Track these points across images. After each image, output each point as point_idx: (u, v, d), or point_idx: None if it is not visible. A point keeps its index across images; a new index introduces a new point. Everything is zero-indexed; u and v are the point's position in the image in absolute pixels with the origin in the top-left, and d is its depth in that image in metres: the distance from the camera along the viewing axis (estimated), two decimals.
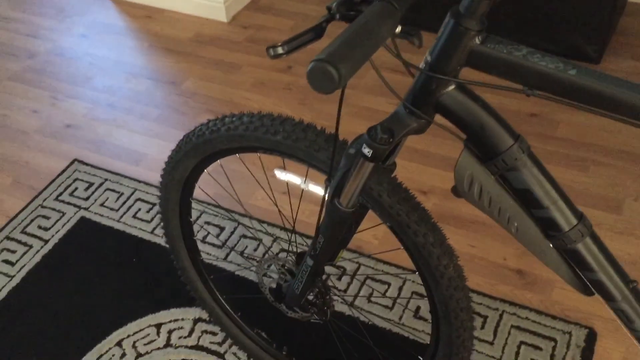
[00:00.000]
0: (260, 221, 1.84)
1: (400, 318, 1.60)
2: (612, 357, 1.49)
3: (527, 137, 2.09)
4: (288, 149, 1.05)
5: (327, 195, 0.99)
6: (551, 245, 0.91)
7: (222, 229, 1.85)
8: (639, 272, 1.65)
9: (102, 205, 1.97)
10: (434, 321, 1.13)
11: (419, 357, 1.25)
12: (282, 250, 1.76)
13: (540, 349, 1.51)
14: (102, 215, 1.93)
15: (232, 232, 1.84)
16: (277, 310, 1.29)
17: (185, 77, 2.50)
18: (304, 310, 1.21)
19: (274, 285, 1.26)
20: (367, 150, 0.87)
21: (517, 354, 1.50)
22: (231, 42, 2.66)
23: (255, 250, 1.79)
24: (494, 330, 1.55)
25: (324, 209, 1.01)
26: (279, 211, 1.38)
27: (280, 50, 0.70)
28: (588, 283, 0.93)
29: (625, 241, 1.73)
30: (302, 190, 1.13)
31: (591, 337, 1.51)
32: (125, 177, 2.07)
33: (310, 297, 1.19)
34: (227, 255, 1.78)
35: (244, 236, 1.82)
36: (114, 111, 2.36)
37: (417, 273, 1.08)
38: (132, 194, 2.00)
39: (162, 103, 2.38)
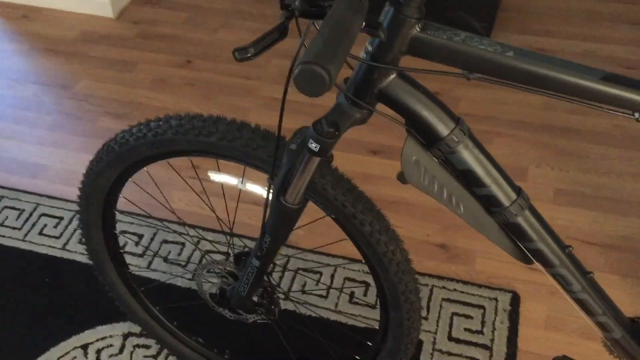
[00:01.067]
0: (189, 225, 1.77)
1: (337, 305, 1.61)
2: (536, 316, 1.58)
3: None
4: (224, 150, 1.01)
5: (271, 194, 0.96)
6: (494, 220, 0.95)
7: (141, 236, 1.77)
8: None
9: (1, 225, 1.81)
10: (382, 307, 1.14)
11: (367, 343, 1.26)
12: (218, 252, 1.71)
13: (471, 317, 1.57)
14: (3, 236, 1.78)
15: (153, 239, 1.76)
16: (215, 314, 1.26)
17: (77, 79, 2.34)
18: (250, 312, 1.18)
19: (214, 291, 1.22)
20: (314, 145, 0.86)
21: (451, 325, 1.56)
22: (122, 39, 2.53)
23: (180, 254, 1.72)
24: (427, 305, 1.60)
25: (268, 208, 0.99)
26: (215, 215, 1.34)
27: (249, 52, 0.67)
28: (528, 253, 0.98)
29: (535, 206, 1.84)
30: (240, 190, 1.09)
31: (515, 300, 1.60)
32: (24, 192, 1.91)
33: (256, 298, 1.16)
34: (150, 263, 1.70)
35: (171, 242, 1.75)
36: (0, 122, 2.17)
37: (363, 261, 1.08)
38: (35, 209, 1.85)
39: (54, 109, 2.22)
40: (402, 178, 0.92)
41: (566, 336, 1.54)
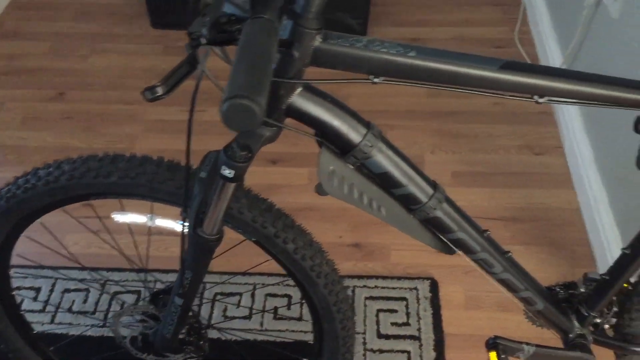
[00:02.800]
0: (90, 269, 1.65)
1: (262, 324, 1.57)
2: (455, 298, 1.63)
3: None
4: (127, 189, 0.94)
5: (187, 227, 0.91)
6: (414, 218, 0.95)
7: (38, 290, 1.63)
8: None
9: None
10: (315, 321, 1.12)
11: (302, 358, 1.23)
12: (128, 292, 1.60)
13: (396, 311, 1.59)
14: None
15: (52, 290, 1.62)
16: None
17: None
18: (178, 352, 1.11)
19: (136, 335, 1.14)
20: (228, 172, 0.82)
21: (378, 322, 1.57)
22: None
23: (85, 302, 1.60)
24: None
25: (186, 242, 0.93)
26: (124, 254, 1.25)
27: (159, 91, 0.61)
28: (450, 243, 0.99)
29: None
30: (149, 227, 1.02)
31: (434, 286, 1.64)
32: None
33: (183, 336, 1.10)
34: (53, 318, 1.57)
35: (74, 290, 1.62)
36: None
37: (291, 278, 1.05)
38: None
39: None
40: (320, 190, 0.90)
41: (486, 312, 1.59)
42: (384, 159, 0.88)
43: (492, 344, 1.08)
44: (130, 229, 1.17)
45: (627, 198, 1.57)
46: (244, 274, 1.64)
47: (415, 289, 1.64)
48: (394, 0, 2.67)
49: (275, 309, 1.60)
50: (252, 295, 1.63)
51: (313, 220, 1.82)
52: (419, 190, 0.92)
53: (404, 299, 1.62)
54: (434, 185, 0.94)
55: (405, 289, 1.64)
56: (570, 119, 1.95)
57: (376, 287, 1.65)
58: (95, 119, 2.14)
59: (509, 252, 1.05)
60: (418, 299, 1.61)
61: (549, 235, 1.79)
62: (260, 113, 0.51)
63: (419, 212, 0.94)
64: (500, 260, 1.03)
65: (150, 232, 1.39)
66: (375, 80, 0.80)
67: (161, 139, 2.04)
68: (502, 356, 1.05)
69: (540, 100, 0.83)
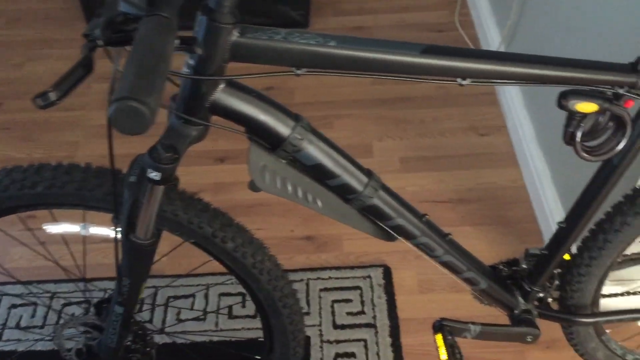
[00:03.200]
0: (33, 282, 1.60)
1: (217, 325, 1.55)
2: (408, 283, 1.64)
3: None
4: (55, 199, 0.91)
5: (120, 234, 0.89)
6: (351, 207, 0.95)
7: None
8: None
9: None
10: (262, 317, 1.11)
11: (256, 357, 1.22)
12: (77, 304, 1.56)
13: (350, 300, 1.60)
14: None
15: None
16: None
17: None
18: None
19: (81, 347, 1.11)
20: (154, 174, 0.80)
21: (333, 313, 1.57)
22: None
23: (33, 316, 1.56)
24: (306, 300, 1.60)
25: (120, 250, 0.91)
26: (59, 265, 1.22)
27: (52, 96, 0.59)
28: (390, 230, 1.00)
29: (383, 179, 1.87)
30: (84, 237, 1.00)
31: (387, 272, 1.65)
32: None
33: (128, 344, 1.08)
34: (0, 335, 1.52)
35: (21, 305, 1.58)
36: None
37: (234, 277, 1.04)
38: None
39: None
40: (253, 186, 0.89)
41: (439, 295, 1.61)
42: (315, 151, 0.88)
43: (438, 326, 1.09)
44: (64, 239, 1.14)
45: (568, 172, 1.60)
46: (195, 275, 1.62)
47: (369, 277, 1.64)
48: None
49: (230, 307, 1.59)
50: (206, 296, 1.61)
51: (264, 216, 1.81)
52: (353, 179, 0.92)
53: (358, 287, 1.62)
54: (368, 173, 0.94)
55: (359, 277, 1.64)
56: (512, 98, 1.98)
57: (330, 278, 1.65)
58: (35, 128, 2.08)
59: (449, 234, 1.06)
60: (372, 287, 1.62)
61: (497, 213, 1.81)
62: (150, 115, 0.50)
63: (355, 201, 0.93)
64: (441, 243, 1.04)
65: (86, 241, 1.36)
66: (298, 72, 0.80)
67: (105, 144, 1.99)
68: (449, 337, 1.07)
69: (464, 82, 0.84)
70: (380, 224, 0.99)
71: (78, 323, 1.08)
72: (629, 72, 0.85)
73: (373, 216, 0.97)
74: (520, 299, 1.16)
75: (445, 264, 1.06)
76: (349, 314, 1.57)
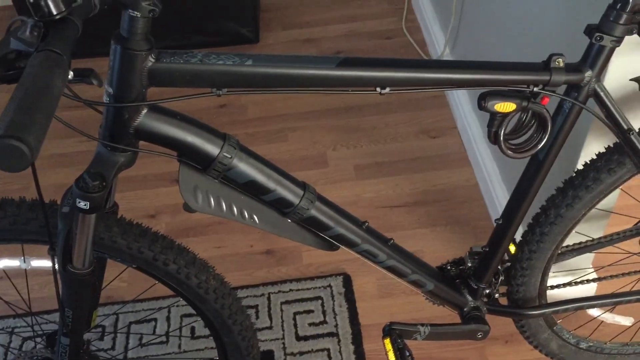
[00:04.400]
0: None
1: (180, 346, 1.55)
2: (368, 289, 1.66)
3: (224, 127, 2.16)
4: None
5: (57, 265, 0.89)
6: (290, 221, 0.96)
7: None
8: (360, 208, 1.86)
9: None
10: (214, 335, 1.11)
11: None
12: (37, 336, 1.55)
13: (312, 311, 1.61)
14: None
15: None
16: None
17: None
18: None
19: None
20: (83, 204, 0.81)
21: (295, 325, 1.58)
22: None
23: None
24: (268, 314, 1.61)
25: (59, 281, 0.91)
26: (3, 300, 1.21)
27: None
28: (331, 240, 1.01)
29: (340, 187, 1.93)
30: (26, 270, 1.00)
31: (347, 280, 1.66)
32: None
33: None
34: None
35: None
36: None
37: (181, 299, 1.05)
38: None
39: None
40: (187, 208, 0.90)
41: (399, 298, 1.63)
42: (246, 168, 0.89)
43: (387, 330, 1.10)
44: (6, 274, 1.14)
45: (515, 169, 1.64)
46: (156, 298, 1.61)
47: (329, 286, 1.66)
48: (284, 4, 2.69)
49: (192, 328, 1.58)
50: (168, 319, 1.61)
51: (223, 233, 1.82)
52: (288, 192, 0.93)
53: (319, 298, 1.63)
54: (303, 185, 0.95)
55: (320, 287, 1.66)
56: (460, 99, 2.02)
57: (291, 290, 1.65)
58: None
59: (391, 239, 1.08)
60: (333, 296, 1.63)
61: (452, 214, 1.84)
62: (31, 153, 0.51)
63: (292, 214, 0.95)
64: (384, 249, 1.06)
65: (30, 274, 1.35)
66: (219, 92, 0.81)
67: (61, 173, 1.98)
68: (398, 341, 1.08)
69: (383, 91, 0.86)
70: (321, 235, 1.00)
71: (27, 357, 1.07)
72: (542, 70, 0.88)
73: (312, 227, 0.99)
74: (469, 297, 1.18)
75: (390, 269, 1.08)
76: (311, 324, 1.58)
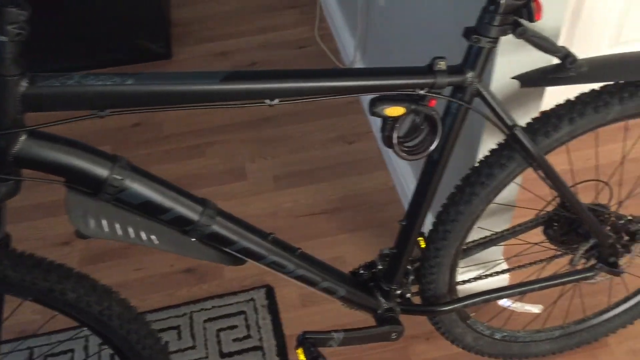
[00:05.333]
0: None
1: None
2: (291, 299, 1.65)
3: (139, 146, 2.11)
4: None
5: None
6: (192, 239, 0.95)
7: None
8: (280, 218, 1.86)
9: None
10: None
11: None
12: None
13: (235, 326, 1.59)
14: None
15: None
16: None
17: None
18: None
19: None
20: None
21: (219, 343, 1.56)
22: None
23: None
24: (191, 334, 1.58)
25: None
26: None
27: None
28: (236, 254, 1.01)
29: (259, 199, 1.92)
30: None
31: (270, 292, 1.65)
32: None
33: None
34: None
35: None
36: None
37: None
38: None
39: None
40: (80, 234, 0.87)
41: (321, 306, 1.63)
42: (139, 188, 0.87)
43: (300, 340, 1.11)
44: None
45: None
46: (72, 328, 1.56)
47: (252, 299, 1.64)
48: (196, 18, 2.67)
49: (112, 356, 1.54)
50: (85, 348, 1.55)
51: (141, 255, 1.77)
52: (187, 210, 0.92)
53: (242, 312, 1.62)
54: (202, 202, 0.94)
55: (243, 302, 1.64)
56: None
57: (213, 307, 1.63)
58: None
59: (299, 249, 1.08)
60: (256, 309, 1.62)
61: (372, 217, 1.87)
62: None
63: (193, 232, 0.94)
64: (292, 259, 1.06)
65: None
66: (101, 114, 0.79)
67: None
68: (312, 349, 1.08)
69: (272, 103, 0.86)
70: (227, 250, 0.99)
71: None
72: (426, 74, 0.91)
73: (216, 243, 0.98)
74: (382, 299, 1.19)
75: (300, 278, 1.08)
76: (235, 340, 1.56)
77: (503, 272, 1.33)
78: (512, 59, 1.06)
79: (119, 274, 1.74)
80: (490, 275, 1.32)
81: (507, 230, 1.27)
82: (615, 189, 1.25)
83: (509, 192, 1.28)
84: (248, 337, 1.57)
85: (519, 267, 1.32)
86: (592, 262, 1.23)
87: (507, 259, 1.53)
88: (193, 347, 1.55)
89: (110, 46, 2.38)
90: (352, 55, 2.21)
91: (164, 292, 1.69)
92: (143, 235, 0.90)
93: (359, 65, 2.20)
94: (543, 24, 1.04)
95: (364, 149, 2.06)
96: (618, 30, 1.89)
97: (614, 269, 1.21)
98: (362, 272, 1.21)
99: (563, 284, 1.24)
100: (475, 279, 1.29)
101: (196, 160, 2.06)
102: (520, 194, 1.38)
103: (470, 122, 1.04)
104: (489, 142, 1.21)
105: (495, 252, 1.48)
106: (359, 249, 1.78)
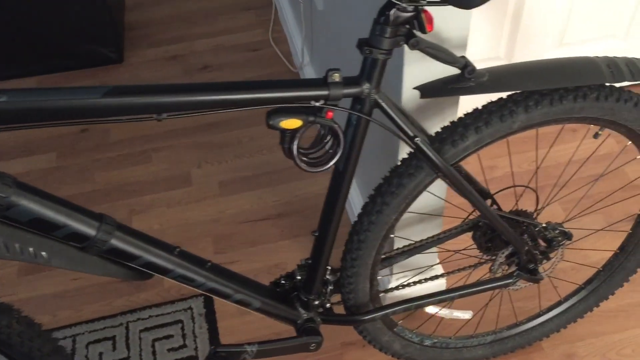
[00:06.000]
0: None
1: None
2: (229, 307, 1.59)
3: (86, 153, 2.07)
4: None
5: None
6: (90, 254, 0.93)
7: None
8: (223, 225, 1.84)
9: None
10: None
11: None
12: None
13: (171, 336, 1.57)
14: None
15: None
16: None
17: None
18: None
19: None
20: None
21: (154, 353, 1.54)
22: None
23: None
24: (126, 344, 1.56)
25: None
26: None
27: None
28: (141, 269, 0.99)
29: (203, 205, 1.90)
30: None
31: (208, 301, 1.64)
32: None
33: None
34: None
35: None
36: None
37: None
38: None
39: None
40: None
41: (258, 314, 1.62)
42: (28, 205, 0.85)
43: (211, 355, 1.09)
44: None
45: (367, 175, 1.67)
46: None
47: (190, 308, 1.63)
48: (151, 21, 2.64)
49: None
50: None
51: None
52: (82, 226, 0.90)
53: (179, 321, 1.60)
54: (100, 217, 0.93)
55: (180, 311, 1.62)
56: None
57: (150, 317, 1.61)
58: None
59: (209, 261, 1.07)
60: (193, 318, 1.61)
61: (314, 223, 1.84)
62: None
63: (90, 248, 0.92)
64: (200, 272, 1.04)
65: None
66: None
67: None
68: None
69: (160, 117, 0.85)
70: (129, 264, 0.98)
71: None
72: (321, 85, 0.90)
73: (118, 258, 0.96)
74: (302, 310, 1.18)
75: (211, 291, 1.07)
76: (170, 350, 1.55)
77: (431, 278, 1.32)
78: (420, 68, 1.05)
79: (58, 284, 1.72)
80: (420, 282, 1.31)
81: (432, 237, 1.26)
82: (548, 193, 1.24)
83: (436, 200, 1.28)
84: (183, 346, 1.55)
85: (447, 273, 1.32)
86: (513, 269, 1.22)
87: (442, 263, 1.52)
88: (127, 358, 1.53)
89: (59, 52, 2.35)
90: (304, 58, 2.20)
91: (102, 301, 1.67)
92: (36, 253, 0.88)
93: (307, 68, 2.18)
94: (449, 34, 1.03)
95: None
96: (561, 32, 1.89)
97: (533, 275, 1.20)
98: (283, 282, 1.20)
99: (484, 291, 1.23)
100: (403, 286, 1.28)
101: (142, 166, 2.03)
102: (456, 199, 1.37)
103: (388, 132, 1.03)
104: (405, 152, 1.20)
105: (430, 258, 1.48)
106: (300, 255, 1.76)
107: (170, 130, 2.14)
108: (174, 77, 2.36)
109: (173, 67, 2.41)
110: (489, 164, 1.92)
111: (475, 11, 1.81)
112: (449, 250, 1.25)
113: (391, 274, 1.50)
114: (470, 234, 1.26)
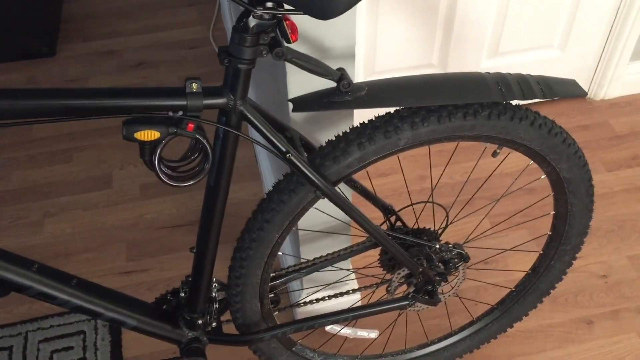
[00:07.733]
0: None
1: None
2: None
3: (4, 150, 1.97)
4: None
5: None
6: None
7: None
8: (140, 230, 1.76)
9: None
10: None
11: None
12: None
13: (72, 347, 1.50)
14: None
15: None
16: None
17: None
18: None
19: None
20: None
21: None
22: None
23: None
24: (23, 355, 1.48)
25: None
26: None
27: None
28: None
29: (122, 209, 1.83)
30: None
31: None
32: None
33: None
34: None
35: None
36: None
37: None
38: None
39: None
40: None
41: None
42: None
43: None
44: None
45: None
46: None
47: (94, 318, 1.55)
48: (89, 14, 2.55)
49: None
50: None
51: None
52: None
53: (81, 332, 1.53)
54: None
55: (84, 321, 1.54)
56: None
57: (52, 326, 1.54)
58: None
59: (75, 278, 1.00)
60: (96, 329, 1.53)
61: (237, 231, 1.78)
62: None
63: None
64: (64, 289, 0.97)
65: None
66: None
67: None
68: None
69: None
70: None
71: None
72: (180, 95, 0.83)
73: None
74: (186, 329, 1.11)
75: (77, 310, 1.00)
76: None
77: (335, 296, 1.26)
78: (305, 78, 0.99)
79: None
80: (323, 299, 1.25)
81: (332, 254, 1.20)
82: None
83: (338, 215, 1.22)
84: (83, 359, 1.48)
85: (349, 292, 1.26)
86: (412, 289, 1.17)
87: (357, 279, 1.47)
88: None
89: None
90: None
91: (2, 308, 1.59)
92: None
93: None
94: (332, 44, 0.97)
95: (240, 158, 1.96)
96: (496, 42, 1.84)
97: (430, 298, 1.15)
98: (169, 298, 1.13)
99: (381, 312, 1.18)
100: (305, 303, 1.22)
101: (61, 165, 1.95)
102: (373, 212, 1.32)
103: None
104: None
105: (340, 274, 1.42)
106: (219, 263, 1.68)
107: (97, 129, 2.06)
108: (106, 73, 2.28)
109: (106, 63, 2.33)
110: (420, 174, 1.88)
111: (404, 17, 1.76)
112: (348, 270, 1.20)
113: (302, 288, 1.44)
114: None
